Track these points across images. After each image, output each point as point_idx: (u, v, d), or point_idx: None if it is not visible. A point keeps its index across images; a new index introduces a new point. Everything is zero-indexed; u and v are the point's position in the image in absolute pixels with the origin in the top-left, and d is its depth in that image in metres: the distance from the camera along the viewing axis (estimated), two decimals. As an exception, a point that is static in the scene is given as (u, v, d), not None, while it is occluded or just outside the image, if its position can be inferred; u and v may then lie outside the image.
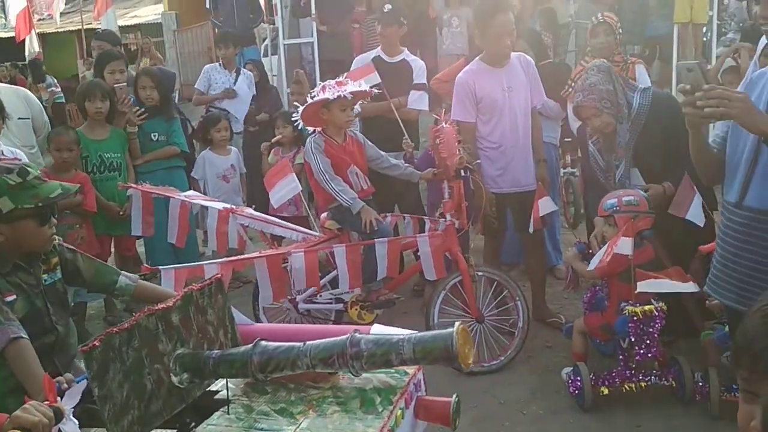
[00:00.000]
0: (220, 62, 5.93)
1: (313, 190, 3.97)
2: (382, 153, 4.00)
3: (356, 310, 3.74)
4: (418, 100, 4.69)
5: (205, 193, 4.66)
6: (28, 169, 2.06)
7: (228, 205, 3.93)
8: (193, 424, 1.93)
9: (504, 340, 3.74)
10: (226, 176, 5.01)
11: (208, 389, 2.08)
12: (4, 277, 1.99)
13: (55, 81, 8.44)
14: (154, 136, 4.62)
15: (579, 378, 3.14)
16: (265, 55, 8.89)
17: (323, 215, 3.90)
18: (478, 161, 3.82)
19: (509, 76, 3.86)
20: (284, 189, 4.01)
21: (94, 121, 4.36)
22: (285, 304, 3.93)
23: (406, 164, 4.02)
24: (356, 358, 1.81)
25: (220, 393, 2.13)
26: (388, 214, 4.07)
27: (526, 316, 3.68)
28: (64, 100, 7.93)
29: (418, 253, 3.75)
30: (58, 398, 1.29)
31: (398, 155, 4.36)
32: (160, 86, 4.66)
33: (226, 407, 2.00)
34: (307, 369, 1.83)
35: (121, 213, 4.22)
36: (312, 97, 3.68)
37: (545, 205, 3.85)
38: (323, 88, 3.67)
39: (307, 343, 1.84)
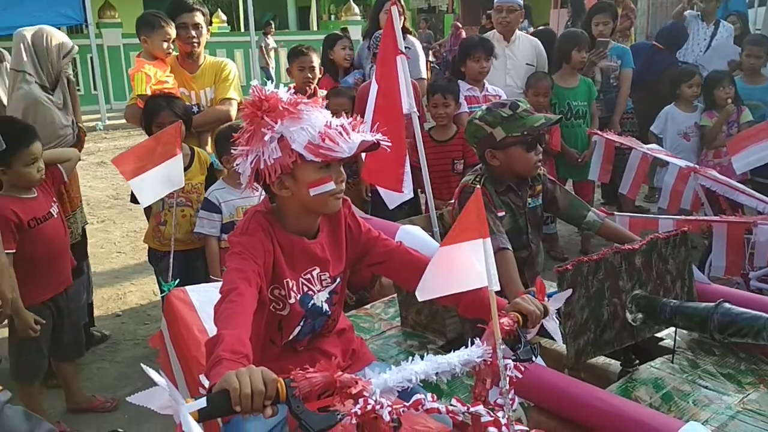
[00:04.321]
0: (699, 14, 5.63)
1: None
2: None
3: (823, 302, 3.26)
4: None
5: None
6: (519, 103, 2.38)
7: (690, 164, 3.79)
8: (637, 361, 2.05)
9: None
10: (687, 134, 4.78)
11: (655, 334, 2.16)
12: (498, 195, 2.37)
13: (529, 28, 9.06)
14: None
15: None
16: (751, 6, 7.95)
17: (802, 190, 3.45)
18: None
19: None
20: (757, 154, 3.67)
21: (570, 70, 4.63)
22: (734, 277, 3.67)
23: None
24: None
25: (665, 341, 2.19)
26: None
27: None
28: None
29: None
30: (546, 298, 1.53)
31: None
32: None
33: (671, 356, 2.05)
34: (773, 342, 1.74)
35: (579, 160, 4.45)
36: None
37: None
38: None
39: (778, 316, 1.75)
